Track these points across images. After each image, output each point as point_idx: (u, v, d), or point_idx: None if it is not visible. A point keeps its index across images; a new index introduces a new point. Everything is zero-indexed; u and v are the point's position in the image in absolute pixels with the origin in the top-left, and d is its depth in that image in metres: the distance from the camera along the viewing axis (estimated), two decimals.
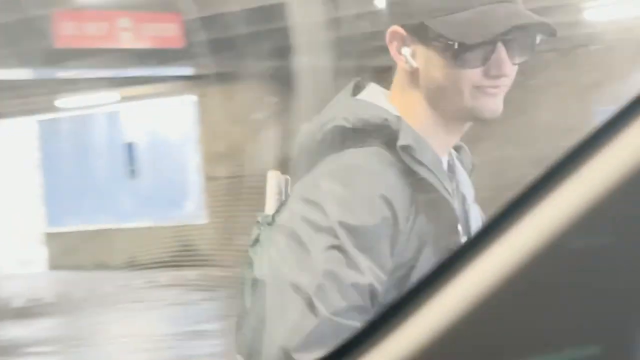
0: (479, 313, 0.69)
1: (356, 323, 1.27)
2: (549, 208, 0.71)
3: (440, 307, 0.70)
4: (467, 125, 1.45)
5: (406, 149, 1.36)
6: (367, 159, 1.36)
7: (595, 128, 0.69)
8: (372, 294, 1.32)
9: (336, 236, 1.31)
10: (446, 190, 1.38)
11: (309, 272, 1.30)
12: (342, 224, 1.33)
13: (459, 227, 1.41)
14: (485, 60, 1.35)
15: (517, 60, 1.38)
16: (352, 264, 1.32)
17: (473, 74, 1.36)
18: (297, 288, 1.31)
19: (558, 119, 10.92)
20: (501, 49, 1.35)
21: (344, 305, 1.30)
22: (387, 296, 1.37)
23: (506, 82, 1.38)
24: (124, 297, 11.30)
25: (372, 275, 1.32)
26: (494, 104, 1.37)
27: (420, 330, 0.70)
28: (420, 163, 1.34)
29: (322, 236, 1.33)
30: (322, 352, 1.24)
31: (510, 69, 1.38)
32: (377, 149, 1.38)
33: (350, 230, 1.32)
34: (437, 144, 1.41)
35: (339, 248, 1.32)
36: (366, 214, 1.35)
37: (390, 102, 1.44)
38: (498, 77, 1.35)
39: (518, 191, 0.71)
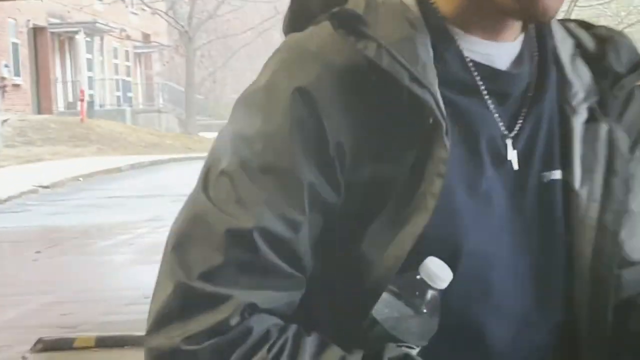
0: None
1: (235, 290, 0.93)
2: None
3: None
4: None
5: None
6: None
7: None
8: (271, 244, 0.93)
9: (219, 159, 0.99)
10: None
11: (175, 223, 1.00)
12: (237, 136, 0.99)
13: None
14: None
15: None
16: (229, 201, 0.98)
17: None
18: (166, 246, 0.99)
19: None
20: None
21: (206, 265, 0.95)
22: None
23: None
24: None
25: (263, 216, 0.95)
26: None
27: None
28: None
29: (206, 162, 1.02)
30: (180, 331, 0.93)
31: None
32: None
33: (242, 141, 0.97)
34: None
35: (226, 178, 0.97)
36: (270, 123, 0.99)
37: None
38: None
39: None
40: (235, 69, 35.04)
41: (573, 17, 7.12)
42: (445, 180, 0.96)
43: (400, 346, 0.98)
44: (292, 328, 1.01)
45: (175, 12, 31.58)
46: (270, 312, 0.99)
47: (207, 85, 34.36)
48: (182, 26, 32.07)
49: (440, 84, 0.99)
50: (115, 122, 27.94)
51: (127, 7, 29.87)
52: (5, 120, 23.36)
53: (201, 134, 30.89)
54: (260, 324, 0.97)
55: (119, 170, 20.90)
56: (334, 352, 0.99)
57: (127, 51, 33.88)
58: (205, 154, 1.24)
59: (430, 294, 0.96)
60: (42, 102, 28.26)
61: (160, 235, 11.12)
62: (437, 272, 0.97)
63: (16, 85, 26.17)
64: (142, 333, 1.30)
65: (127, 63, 34.11)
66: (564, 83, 1.09)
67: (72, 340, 6.52)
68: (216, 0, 30.02)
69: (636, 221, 1.06)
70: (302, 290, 1.01)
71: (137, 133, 28.44)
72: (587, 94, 1.08)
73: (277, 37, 31.76)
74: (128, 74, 34.16)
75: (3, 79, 24.75)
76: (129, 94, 33.57)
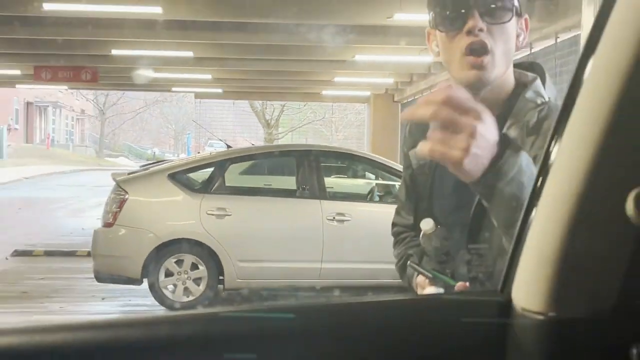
0: None
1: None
2: None
3: None
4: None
5: None
6: None
7: None
8: None
9: None
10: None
11: None
12: None
13: None
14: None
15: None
16: None
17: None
18: None
19: None
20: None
21: None
22: None
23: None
24: None
25: None
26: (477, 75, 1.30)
27: None
28: None
29: None
30: None
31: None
32: None
33: None
34: None
35: None
36: None
37: None
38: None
39: None
40: (124, 128, 43.71)
41: None
42: None
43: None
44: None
45: (97, 100, 40.46)
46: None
47: (110, 135, 42.88)
48: (100, 107, 40.78)
49: None
50: (63, 150, 37.60)
51: (72, 95, 38.67)
52: (9, 145, 31.93)
53: (106, 158, 38.93)
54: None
55: (63, 172, 28.23)
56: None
57: (72, 117, 43.83)
58: (104, 168, 11.41)
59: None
60: (28, 138, 37.55)
61: (79, 205, 15.59)
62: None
63: (16, 129, 35.54)
64: (67, 249, 8.68)
65: (72, 122, 44.41)
66: None
67: (32, 251, 9.33)
68: (116, 96, 38.66)
69: None
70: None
71: (73, 156, 36.69)
72: None
73: (146, 117, 41.59)
74: (72, 127, 44.36)
75: (9, 125, 33.55)
76: (72, 137, 43.30)
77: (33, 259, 9.03)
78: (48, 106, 38.92)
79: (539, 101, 1.37)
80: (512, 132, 1.34)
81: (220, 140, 13.17)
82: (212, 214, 6.39)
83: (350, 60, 10.88)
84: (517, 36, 1.38)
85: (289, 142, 25.61)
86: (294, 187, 6.75)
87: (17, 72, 14.22)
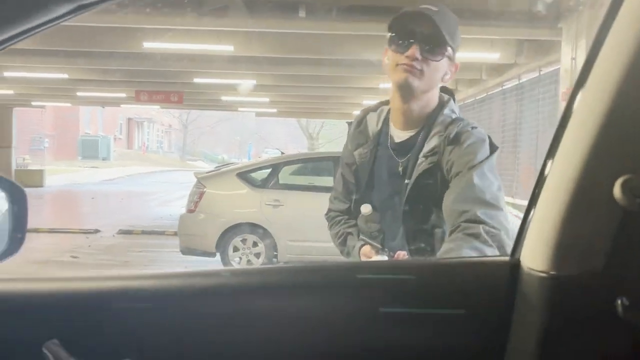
0: None
1: None
2: None
3: None
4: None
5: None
6: None
7: None
8: None
9: None
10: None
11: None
12: None
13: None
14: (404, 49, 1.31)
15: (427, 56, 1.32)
16: None
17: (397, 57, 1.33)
18: None
19: None
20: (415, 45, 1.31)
21: None
22: None
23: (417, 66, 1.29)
24: None
25: None
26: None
27: None
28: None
29: None
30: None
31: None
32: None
33: None
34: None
35: None
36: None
37: None
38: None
39: None
40: (202, 139, 43.10)
41: None
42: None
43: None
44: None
45: (181, 117, 39.63)
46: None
47: (190, 144, 42.32)
48: (184, 122, 40.24)
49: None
50: (155, 155, 37.72)
51: (163, 112, 36.58)
52: (115, 150, 30.99)
53: (187, 162, 37.84)
54: None
55: (154, 172, 27.74)
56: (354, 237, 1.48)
57: (162, 130, 43.22)
58: (186, 169, 11.81)
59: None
60: (129, 145, 36.61)
61: (167, 197, 14.99)
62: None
63: (120, 138, 34.50)
64: (159, 230, 8.46)
65: (161, 134, 43.84)
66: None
67: (132, 231, 9.13)
68: (196, 114, 37.48)
69: None
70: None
71: (163, 159, 36.46)
72: None
73: (218, 130, 41.03)
74: (162, 138, 43.77)
75: (115, 136, 32.80)
76: (162, 145, 42.96)
77: (133, 237, 9.03)
78: (144, 121, 38.98)
79: (453, 116, 1.40)
80: (435, 141, 1.36)
81: (276, 148, 13.16)
82: (269, 204, 6.45)
83: (375, 87, 10.83)
84: (445, 74, 1.40)
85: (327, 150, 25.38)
86: (331, 184, 6.75)
87: (122, 94, 14.51)
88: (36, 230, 8.86)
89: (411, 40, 1.34)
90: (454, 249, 1.18)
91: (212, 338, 0.78)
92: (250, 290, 0.79)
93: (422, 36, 1.33)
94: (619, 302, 0.71)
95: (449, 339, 0.79)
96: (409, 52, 1.34)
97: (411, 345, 0.79)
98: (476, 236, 1.18)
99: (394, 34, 1.36)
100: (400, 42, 1.35)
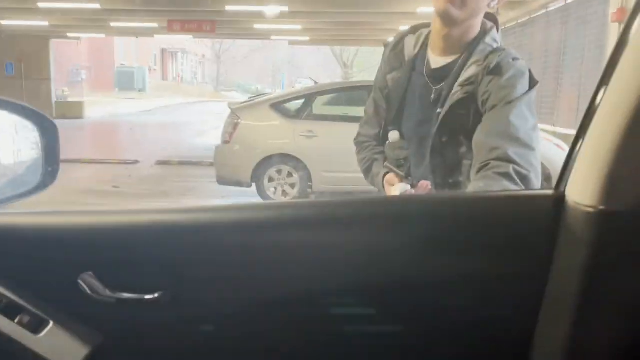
0: None
1: None
2: None
3: None
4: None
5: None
6: None
7: None
8: None
9: None
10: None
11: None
12: None
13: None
14: None
15: None
16: None
17: None
18: None
19: None
20: None
21: None
22: None
23: None
24: None
25: None
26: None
27: None
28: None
29: None
30: None
31: None
32: None
33: None
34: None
35: None
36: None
37: None
38: None
39: None
40: (235, 69, 43.89)
41: None
42: None
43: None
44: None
45: (214, 47, 40.08)
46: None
47: (224, 74, 42.51)
48: (217, 53, 40.48)
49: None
50: (189, 86, 37.67)
51: (196, 43, 36.47)
52: (150, 82, 29.92)
53: (221, 92, 38.19)
54: None
55: (189, 103, 28.23)
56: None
57: (196, 60, 42.67)
58: (220, 100, 11.80)
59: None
60: (164, 76, 36.23)
61: (202, 127, 14.69)
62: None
63: (154, 70, 34.35)
64: (196, 160, 8.39)
65: (195, 64, 43.09)
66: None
67: (169, 161, 9.14)
68: (229, 44, 37.70)
69: None
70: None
71: (197, 90, 36.48)
72: None
73: (251, 60, 41.39)
74: (196, 69, 43.19)
75: (150, 67, 32.24)
76: (196, 76, 42.67)
77: (171, 167, 9.09)
78: (178, 52, 38.48)
79: (495, 45, 1.34)
80: (473, 70, 1.31)
81: (310, 78, 13.02)
82: (303, 135, 6.43)
83: (412, 11, 10.43)
84: (491, 0, 1.33)
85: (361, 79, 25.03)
86: None
87: (155, 25, 14.42)
88: (78, 161, 9.14)
89: None
90: (483, 188, 1.15)
91: (246, 271, 0.77)
92: (284, 223, 0.77)
93: None
94: None
95: (488, 273, 0.76)
96: None
97: (449, 280, 0.77)
98: (505, 176, 1.15)
99: None
100: None
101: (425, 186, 1.29)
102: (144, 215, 0.80)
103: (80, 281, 0.77)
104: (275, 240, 0.78)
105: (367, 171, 1.50)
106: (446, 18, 1.29)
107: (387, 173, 1.40)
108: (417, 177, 1.35)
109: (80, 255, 0.78)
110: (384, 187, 1.39)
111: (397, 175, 1.37)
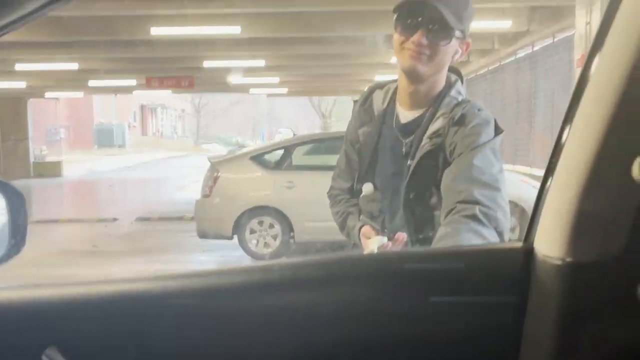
0: None
1: None
2: None
3: None
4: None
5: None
6: None
7: None
8: None
9: None
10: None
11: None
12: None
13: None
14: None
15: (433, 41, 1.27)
16: None
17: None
18: None
19: None
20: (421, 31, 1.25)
21: None
22: None
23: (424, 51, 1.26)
24: None
25: None
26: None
27: None
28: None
29: None
30: None
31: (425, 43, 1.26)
32: None
33: None
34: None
35: None
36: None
37: None
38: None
39: None
40: (215, 122, 42.50)
41: None
42: None
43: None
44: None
45: (194, 101, 39.91)
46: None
47: (204, 128, 42.23)
48: (196, 107, 40.28)
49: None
50: (169, 140, 37.40)
51: (175, 98, 35.15)
52: (129, 138, 30.23)
53: (202, 146, 37.61)
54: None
55: (169, 157, 27.08)
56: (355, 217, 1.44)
57: (175, 115, 42.92)
58: (200, 154, 10.93)
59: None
60: (143, 131, 36.18)
61: (182, 182, 14.36)
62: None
63: (134, 126, 34.14)
64: (176, 215, 8.34)
65: (175, 119, 43.41)
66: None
67: (150, 217, 9.11)
68: (208, 98, 37.65)
69: None
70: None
71: (177, 145, 35.84)
72: None
73: (230, 112, 40.47)
74: (175, 123, 43.42)
75: (129, 123, 32.39)
76: (176, 130, 42.72)
77: (151, 223, 9.07)
78: (157, 107, 38.77)
79: (460, 98, 1.36)
80: (440, 122, 1.33)
81: (288, 128, 13.10)
82: (284, 186, 6.44)
83: (387, 62, 10.70)
84: (455, 53, 1.36)
85: (339, 129, 25.29)
86: None
87: (133, 82, 14.54)
88: (56, 221, 9.00)
89: (416, 25, 1.30)
90: (451, 233, 1.16)
91: (216, 339, 0.75)
92: (253, 287, 0.76)
93: (427, 21, 1.29)
94: None
95: (461, 328, 0.76)
96: (415, 38, 1.31)
97: (422, 335, 0.77)
98: (472, 217, 1.16)
99: (398, 18, 1.33)
100: (406, 26, 1.32)
101: (402, 239, 1.30)
102: (107, 285, 0.78)
103: (44, 357, 0.74)
104: (245, 306, 0.76)
105: (342, 224, 1.51)
106: (413, 75, 1.33)
107: (363, 226, 1.40)
108: (392, 229, 1.36)
109: (44, 330, 0.76)
110: (360, 240, 1.38)
111: (374, 228, 1.37)
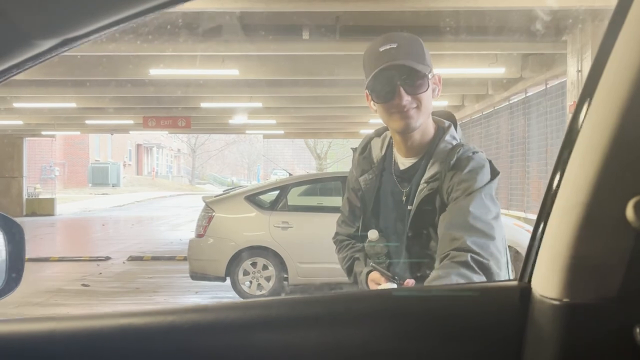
0: None
1: None
2: None
3: None
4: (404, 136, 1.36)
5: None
6: None
7: None
8: None
9: None
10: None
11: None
12: None
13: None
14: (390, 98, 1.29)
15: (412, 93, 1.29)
16: None
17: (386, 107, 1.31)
18: None
19: None
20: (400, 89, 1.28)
21: None
22: None
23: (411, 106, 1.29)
24: None
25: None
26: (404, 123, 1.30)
27: None
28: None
29: None
30: None
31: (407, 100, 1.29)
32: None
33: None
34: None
35: None
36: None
37: None
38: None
39: None
40: (210, 162, 42.94)
41: None
42: None
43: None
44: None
45: (190, 141, 39.92)
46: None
47: (199, 168, 41.94)
48: (192, 147, 40.24)
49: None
50: (164, 180, 37.40)
51: (171, 138, 37.06)
52: (124, 177, 31.02)
53: (197, 185, 38.29)
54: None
55: (164, 196, 27.26)
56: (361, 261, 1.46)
57: (171, 154, 43.03)
58: (195, 193, 10.61)
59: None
60: (138, 171, 36.16)
61: (177, 221, 15.05)
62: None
63: (129, 164, 34.07)
64: (169, 255, 8.53)
65: (171, 158, 43.48)
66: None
67: (142, 257, 9.12)
68: (204, 138, 37.87)
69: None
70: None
71: (172, 184, 35.98)
72: None
73: (226, 153, 41.05)
74: (171, 162, 43.53)
75: (124, 162, 32.65)
76: (171, 170, 42.65)
77: (143, 263, 9.00)
78: (153, 147, 39.02)
79: (454, 142, 1.39)
80: (436, 167, 1.35)
81: (283, 169, 13.17)
82: (278, 227, 6.43)
83: None
84: (433, 91, 1.38)
85: (335, 170, 25.51)
86: (339, 204, 6.71)
87: (130, 121, 14.64)
88: (47, 260, 8.92)
89: (392, 89, 1.33)
90: (442, 276, 1.17)
91: None
92: (255, 323, 0.76)
93: (401, 80, 1.31)
94: (638, 330, 0.67)
95: None
96: (397, 100, 1.33)
97: None
98: (463, 264, 1.18)
99: (373, 90, 1.35)
100: (384, 94, 1.34)
101: (411, 285, 1.30)
102: (105, 319, 0.78)
103: None
104: (245, 342, 0.76)
105: (349, 270, 1.52)
106: (407, 131, 1.37)
107: (371, 271, 1.42)
108: (397, 272, 1.39)
109: None
110: (367, 285, 1.40)
111: (384, 274, 1.38)
